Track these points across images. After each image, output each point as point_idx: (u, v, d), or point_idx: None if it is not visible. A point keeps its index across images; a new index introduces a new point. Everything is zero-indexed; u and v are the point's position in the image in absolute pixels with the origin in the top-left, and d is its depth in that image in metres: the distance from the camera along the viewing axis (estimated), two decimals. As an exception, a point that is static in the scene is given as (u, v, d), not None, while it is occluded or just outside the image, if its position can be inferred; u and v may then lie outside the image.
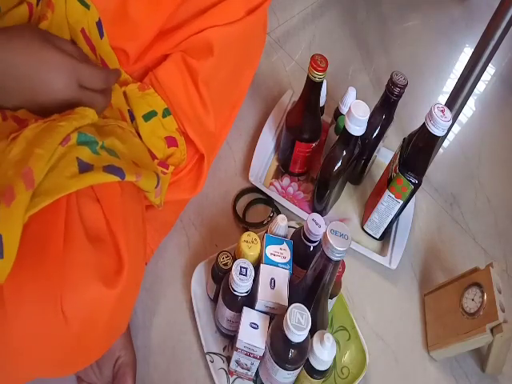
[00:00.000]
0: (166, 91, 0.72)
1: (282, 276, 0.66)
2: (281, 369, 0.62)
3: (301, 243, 0.70)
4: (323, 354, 0.60)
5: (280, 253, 0.68)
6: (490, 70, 1.31)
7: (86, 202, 0.50)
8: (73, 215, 0.48)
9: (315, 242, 0.69)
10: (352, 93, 0.85)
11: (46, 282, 0.44)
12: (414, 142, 0.76)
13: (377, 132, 0.85)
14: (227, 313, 0.67)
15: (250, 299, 0.66)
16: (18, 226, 0.43)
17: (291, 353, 0.60)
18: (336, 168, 0.78)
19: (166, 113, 0.72)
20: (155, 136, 0.70)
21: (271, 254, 0.68)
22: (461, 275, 0.84)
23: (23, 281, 0.44)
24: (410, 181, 0.76)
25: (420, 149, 0.75)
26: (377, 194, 0.86)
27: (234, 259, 0.68)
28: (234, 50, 0.76)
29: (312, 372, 0.63)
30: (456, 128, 1.17)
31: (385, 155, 0.97)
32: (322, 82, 0.79)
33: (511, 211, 1.04)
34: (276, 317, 0.63)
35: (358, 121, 0.70)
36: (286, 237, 0.72)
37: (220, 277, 0.70)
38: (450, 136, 1.14)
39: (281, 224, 0.71)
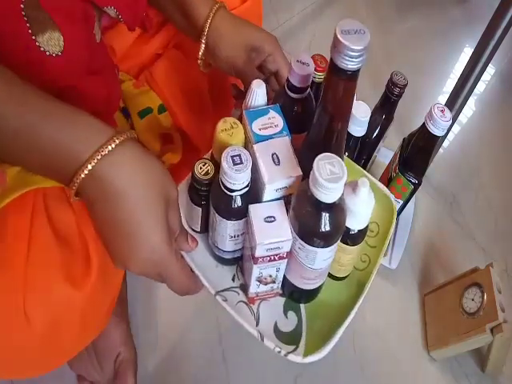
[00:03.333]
0: (162, 87, 0.72)
1: (284, 144, 0.52)
2: (321, 249, 0.48)
3: (287, 100, 0.56)
4: (362, 204, 0.49)
5: (270, 123, 0.54)
6: (490, 70, 1.32)
7: (56, 203, 0.49)
8: (39, 216, 0.48)
9: (304, 89, 0.56)
10: (352, 93, 0.85)
11: (8, 282, 0.44)
12: (414, 142, 0.76)
13: (377, 132, 0.85)
14: (229, 226, 0.52)
15: (251, 196, 0.52)
16: None
17: (329, 220, 0.46)
18: None
19: (162, 109, 0.71)
20: (151, 133, 0.70)
21: (260, 129, 0.53)
22: (461, 275, 0.84)
23: None
24: (410, 181, 0.76)
25: (420, 149, 0.75)
26: (377, 194, 0.86)
27: (216, 164, 0.53)
28: None
29: (349, 238, 0.52)
30: (456, 128, 1.17)
31: (385, 155, 0.97)
32: (321, 82, 0.79)
33: (511, 211, 1.04)
34: (296, 193, 0.49)
35: (358, 121, 0.70)
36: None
37: (203, 195, 0.54)
38: (450, 136, 1.14)
39: (258, 90, 0.55)
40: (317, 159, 0.43)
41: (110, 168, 0.41)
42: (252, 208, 0.50)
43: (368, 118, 0.71)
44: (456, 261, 0.94)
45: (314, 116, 0.48)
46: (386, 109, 0.82)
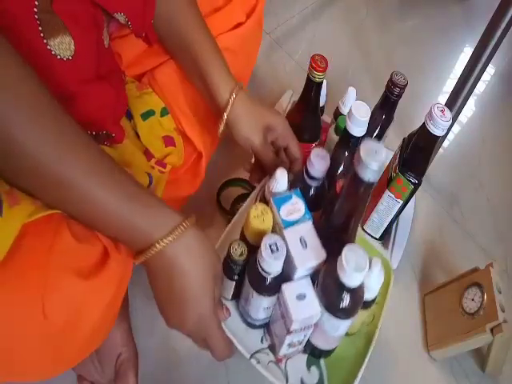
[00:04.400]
0: (164, 90, 0.72)
1: (308, 228, 0.60)
2: (344, 320, 0.57)
3: (305, 185, 0.65)
4: (373, 281, 0.57)
5: (294, 209, 0.62)
6: (490, 69, 1.32)
7: None
8: (60, 220, 0.48)
9: (319, 179, 0.65)
10: (352, 93, 0.85)
11: (27, 282, 0.44)
12: (414, 142, 0.76)
13: (377, 132, 0.85)
14: (265, 302, 0.61)
15: (283, 274, 0.59)
16: (12, 231, 0.43)
17: (353, 298, 0.55)
18: (339, 171, 0.77)
19: (164, 112, 0.72)
20: (153, 135, 0.70)
21: (287, 215, 0.61)
22: (461, 275, 0.84)
23: (4, 280, 0.43)
24: (410, 181, 0.76)
25: (420, 149, 0.75)
26: (377, 194, 0.86)
27: (248, 244, 0.61)
28: (234, 52, 0.77)
29: (362, 304, 0.59)
30: (456, 128, 1.17)
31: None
32: (321, 82, 0.79)
33: (511, 211, 1.04)
34: (322, 274, 0.57)
35: (359, 122, 0.70)
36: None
37: (236, 272, 0.62)
38: (450, 136, 1.14)
39: (280, 179, 0.63)
40: (345, 250, 0.51)
41: (177, 250, 0.50)
42: (285, 287, 0.58)
43: (368, 118, 0.71)
44: (456, 261, 0.94)
45: (333, 207, 0.57)
46: (386, 109, 0.82)
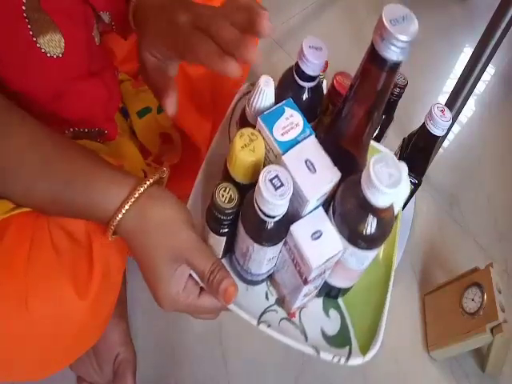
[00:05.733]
0: None
1: (312, 146, 0.46)
2: (374, 250, 0.45)
3: (296, 89, 0.50)
4: (399, 191, 0.42)
5: (289, 124, 0.46)
6: (490, 69, 1.31)
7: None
8: (41, 219, 0.48)
9: (314, 78, 0.50)
10: (352, 93, 0.85)
11: (10, 282, 0.44)
12: (414, 142, 0.76)
13: (377, 132, 0.85)
14: (269, 253, 0.47)
15: (289, 212, 0.45)
16: None
17: (385, 221, 0.43)
18: None
19: (161, 109, 0.72)
20: (150, 132, 0.70)
21: (282, 134, 0.46)
22: (461, 275, 0.84)
23: None
24: (410, 181, 0.76)
25: (420, 149, 0.75)
26: (377, 194, 0.85)
27: (238, 186, 0.46)
28: None
29: None
30: (456, 128, 1.17)
31: (385, 155, 0.97)
32: (321, 81, 0.79)
33: (511, 211, 1.04)
34: (340, 199, 0.44)
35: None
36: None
37: (226, 224, 0.48)
38: (450, 136, 1.14)
39: (266, 89, 0.47)
40: (372, 163, 0.39)
41: (126, 229, 0.45)
42: (295, 228, 0.45)
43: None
44: (456, 261, 0.94)
45: (342, 108, 0.43)
46: (386, 109, 0.82)
